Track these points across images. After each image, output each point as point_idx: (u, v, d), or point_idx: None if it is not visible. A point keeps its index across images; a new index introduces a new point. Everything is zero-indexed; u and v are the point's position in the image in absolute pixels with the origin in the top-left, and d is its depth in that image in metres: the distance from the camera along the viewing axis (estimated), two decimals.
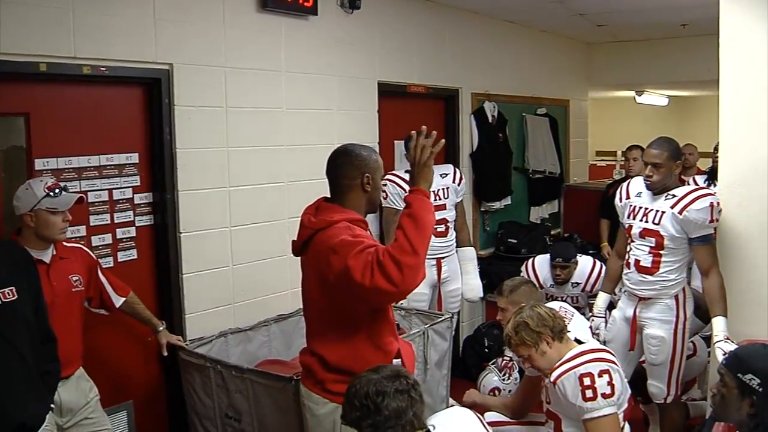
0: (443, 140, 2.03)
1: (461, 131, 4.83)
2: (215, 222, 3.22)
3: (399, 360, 2.17)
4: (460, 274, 4.11)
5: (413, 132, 2.00)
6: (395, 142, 4.39)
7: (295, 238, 2.17)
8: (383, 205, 3.89)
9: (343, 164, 2.13)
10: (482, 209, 5.09)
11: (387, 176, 3.86)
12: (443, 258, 4.00)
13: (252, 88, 3.35)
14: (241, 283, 3.34)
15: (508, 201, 5.22)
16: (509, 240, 5.07)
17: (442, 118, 4.78)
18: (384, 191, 3.82)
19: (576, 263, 4.08)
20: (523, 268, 4.26)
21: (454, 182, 4.06)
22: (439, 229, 3.92)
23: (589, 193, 5.81)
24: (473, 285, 4.14)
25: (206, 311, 3.21)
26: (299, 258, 2.19)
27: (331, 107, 3.79)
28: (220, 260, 3.25)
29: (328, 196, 2.18)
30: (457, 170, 4.15)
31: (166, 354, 2.92)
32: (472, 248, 4.23)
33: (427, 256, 3.81)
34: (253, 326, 3.31)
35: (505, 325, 2.60)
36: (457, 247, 4.12)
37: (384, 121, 4.15)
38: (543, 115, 5.74)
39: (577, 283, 4.09)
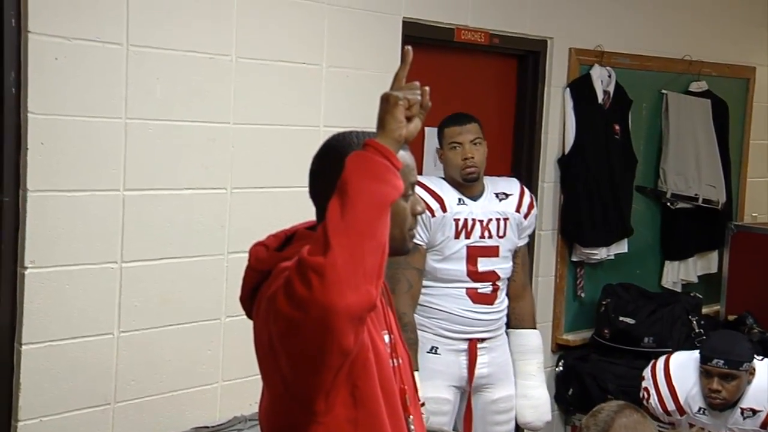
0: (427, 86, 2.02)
1: (546, 116, 4.87)
2: (94, 252, 3.23)
3: None
4: (513, 374, 4.16)
5: (408, 47, 2.07)
6: (426, 129, 4.35)
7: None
8: None
9: (313, 167, 2.24)
10: (574, 259, 5.14)
11: None
12: (483, 340, 4.06)
13: (175, 13, 3.37)
14: (132, 366, 3.34)
15: (623, 248, 5.26)
16: (621, 319, 5.04)
17: (512, 90, 4.79)
18: None
19: (752, 372, 4.03)
20: (646, 375, 4.25)
21: (518, 211, 4.14)
22: (481, 290, 4.02)
23: None
24: (537, 399, 4.17)
25: (60, 416, 3.19)
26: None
27: (318, 61, 3.86)
28: (96, 323, 3.25)
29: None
30: (525, 191, 4.24)
31: None
32: (537, 332, 4.29)
33: (454, 334, 4.09)
34: None
35: None
36: (509, 327, 4.20)
37: None
38: (701, 94, 5.74)
39: (754, 412, 4.03)
